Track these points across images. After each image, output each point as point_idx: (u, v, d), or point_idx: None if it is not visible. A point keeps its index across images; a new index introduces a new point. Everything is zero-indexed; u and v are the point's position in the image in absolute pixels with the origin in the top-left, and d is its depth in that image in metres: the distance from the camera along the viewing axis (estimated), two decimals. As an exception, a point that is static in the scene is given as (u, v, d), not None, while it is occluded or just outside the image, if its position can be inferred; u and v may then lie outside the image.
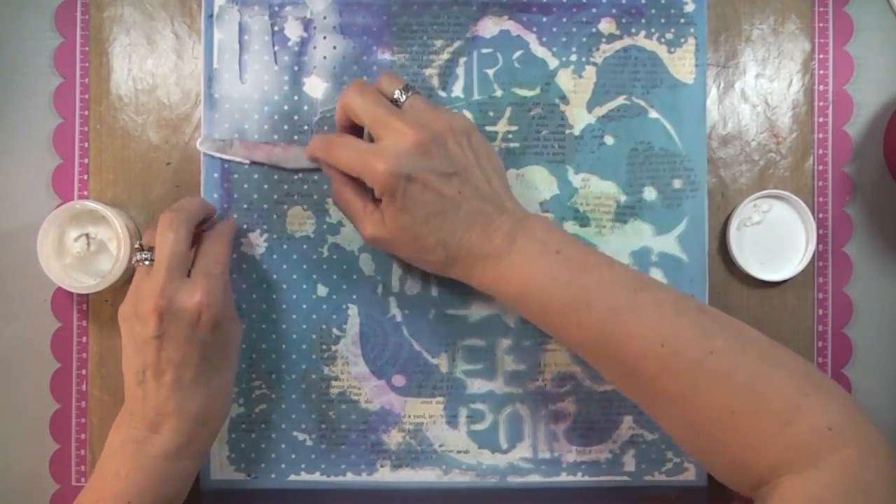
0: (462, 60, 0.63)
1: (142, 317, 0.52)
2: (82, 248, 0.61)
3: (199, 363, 0.53)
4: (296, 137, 0.62)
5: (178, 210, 0.55)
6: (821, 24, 0.65)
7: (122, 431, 0.54)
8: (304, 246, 0.62)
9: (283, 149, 0.61)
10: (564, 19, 0.63)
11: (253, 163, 0.62)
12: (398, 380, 0.63)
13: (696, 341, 0.48)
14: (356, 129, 0.57)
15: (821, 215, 0.65)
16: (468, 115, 0.62)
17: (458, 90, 0.63)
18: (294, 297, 0.62)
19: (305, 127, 0.62)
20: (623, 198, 0.63)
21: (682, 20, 0.63)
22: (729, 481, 0.50)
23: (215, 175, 0.62)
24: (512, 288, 0.52)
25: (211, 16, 0.62)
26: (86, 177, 0.64)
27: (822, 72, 0.65)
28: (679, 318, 0.49)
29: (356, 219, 0.56)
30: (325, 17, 0.62)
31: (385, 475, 0.62)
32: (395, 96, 0.55)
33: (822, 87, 0.65)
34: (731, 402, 0.47)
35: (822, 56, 0.65)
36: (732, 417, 0.46)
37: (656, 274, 0.62)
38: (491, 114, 0.62)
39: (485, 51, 0.63)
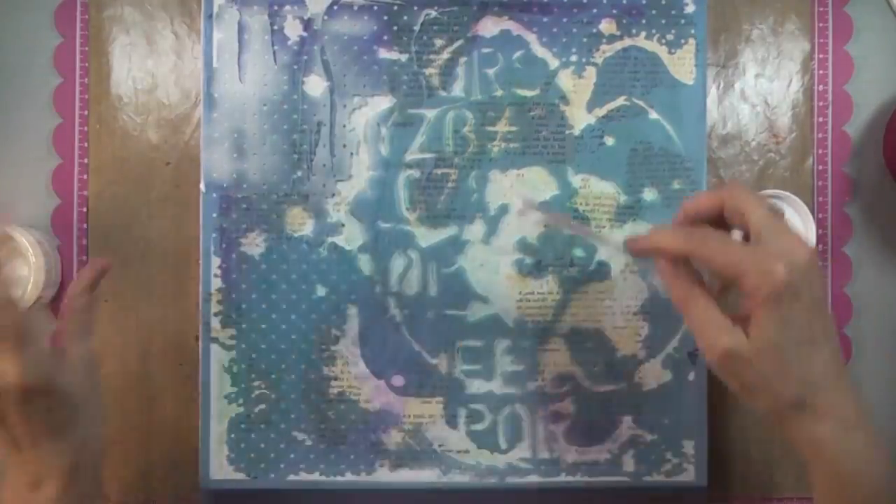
0: (462, 60, 0.63)
1: None
2: None
3: (47, 430, 0.51)
4: (295, 136, 0.62)
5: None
6: (820, 24, 0.65)
7: (10, 486, 0.52)
8: (304, 246, 0.62)
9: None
10: (565, 19, 0.63)
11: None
12: (398, 380, 0.63)
13: None
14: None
15: (820, 215, 0.65)
16: (468, 114, 0.62)
17: (458, 90, 0.62)
18: (293, 297, 0.62)
19: (305, 127, 0.62)
20: (623, 198, 0.63)
21: (683, 21, 0.63)
22: None
23: (214, 175, 0.62)
24: (848, 472, 0.47)
25: (210, 16, 0.62)
26: (85, 177, 0.64)
27: (821, 72, 0.65)
28: None
29: (712, 327, 0.47)
30: (325, 17, 0.62)
31: (384, 475, 0.62)
32: None
33: (821, 87, 0.65)
34: None
35: (821, 56, 0.65)
36: None
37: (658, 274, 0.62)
38: (491, 114, 0.62)
39: (485, 51, 0.63)
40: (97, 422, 0.55)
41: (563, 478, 0.62)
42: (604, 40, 0.63)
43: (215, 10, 0.62)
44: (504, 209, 0.62)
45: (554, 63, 0.63)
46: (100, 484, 0.55)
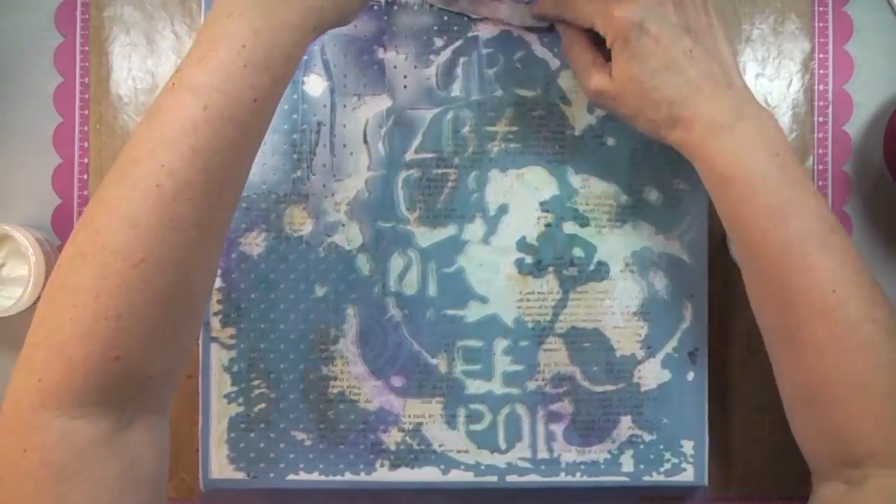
0: (462, 61, 0.63)
1: None
2: None
3: None
4: (295, 136, 0.62)
5: None
6: (820, 24, 0.65)
7: None
8: (303, 246, 0.62)
9: (508, 5, 0.62)
10: (565, 20, 0.63)
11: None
12: (398, 380, 0.62)
13: (864, 302, 0.48)
14: None
15: (821, 215, 0.65)
16: (468, 114, 0.62)
17: (457, 90, 0.63)
18: (292, 296, 0.62)
19: (305, 126, 0.62)
20: (624, 198, 0.63)
21: (683, 21, 0.63)
22: (816, 450, 0.50)
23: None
24: (720, 167, 0.50)
25: (211, 16, 0.62)
26: (86, 176, 0.64)
27: (821, 71, 0.65)
28: (857, 273, 0.48)
29: (584, 70, 0.55)
30: (324, 17, 0.62)
31: (384, 475, 0.62)
32: None
33: (821, 87, 0.65)
34: (869, 376, 0.47)
35: (821, 56, 0.65)
36: (863, 390, 0.47)
37: (657, 275, 0.62)
38: (491, 114, 0.62)
39: (485, 51, 0.63)
40: None
41: (562, 477, 0.62)
42: (604, 41, 0.63)
43: (215, 10, 0.62)
44: (504, 209, 0.62)
45: (555, 63, 0.63)
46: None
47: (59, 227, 0.64)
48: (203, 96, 0.44)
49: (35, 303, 0.61)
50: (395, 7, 0.62)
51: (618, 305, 0.62)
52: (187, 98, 0.44)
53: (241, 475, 0.62)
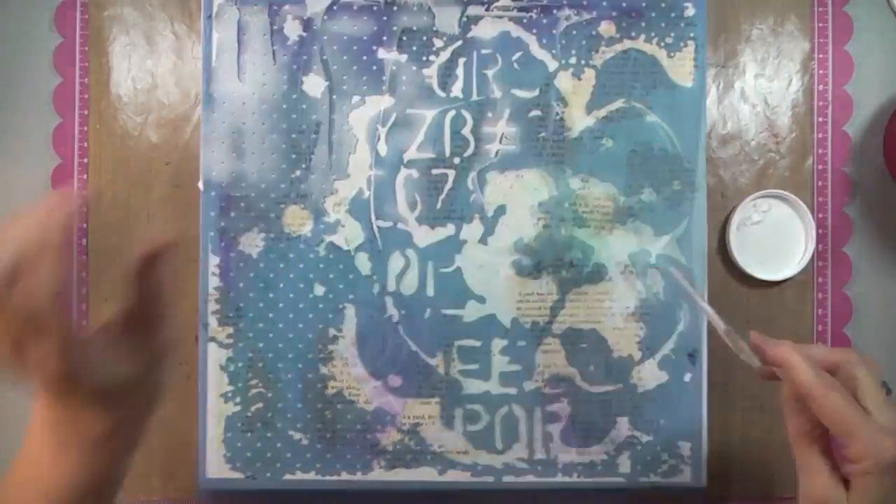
0: (461, 61, 0.63)
1: None
2: None
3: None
4: (294, 136, 0.62)
5: None
6: (820, 24, 0.65)
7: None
8: (302, 245, 0.62)
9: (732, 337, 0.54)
10: (564, 21, 0.63)
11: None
12: (397, 380, 0.62)
13: None
14: None
15: (820, 215, 0.65)
16: (467, 115, 0.62)
17: (456, 91, 0.63)
18: (291, 296, 0.62)
19: (304, 126, 0.62)
20: (622, 199, 0.62)
21: (682, 24, 0.63)
22: None
23: (213, 174, 0.62)
24: None
25: (210, 16, 0.62)
26: (85, 176, 0.64)
27: (821, 72, 0.65)
28: None
29: (815, 475, 0.48)
30: (324, 17, 0.62)
31: (380, 475, 0.62)
32: None
33: (821, 87, 0.65)
34: None
35: (821, 56, 0.65)
36: None
37: (656, 277, 0.62)
38: (489, 115, 0.62)
39: (484, 52, 0.63)
40: (143, 405, 0.52)
41: (559, 478, 0.62)
42: (603, 42, 0.63)
43: (215, 9, 0.62)
44: (502, 210, 0.62)
45: (553, 65, 0.63)
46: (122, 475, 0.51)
47: (59, 227, 0.64)
48: None
49: None
50: (395, 7, 0.62)
51: (616, 307, 0.62)
52: None
53: (237, 475, 0.62)
